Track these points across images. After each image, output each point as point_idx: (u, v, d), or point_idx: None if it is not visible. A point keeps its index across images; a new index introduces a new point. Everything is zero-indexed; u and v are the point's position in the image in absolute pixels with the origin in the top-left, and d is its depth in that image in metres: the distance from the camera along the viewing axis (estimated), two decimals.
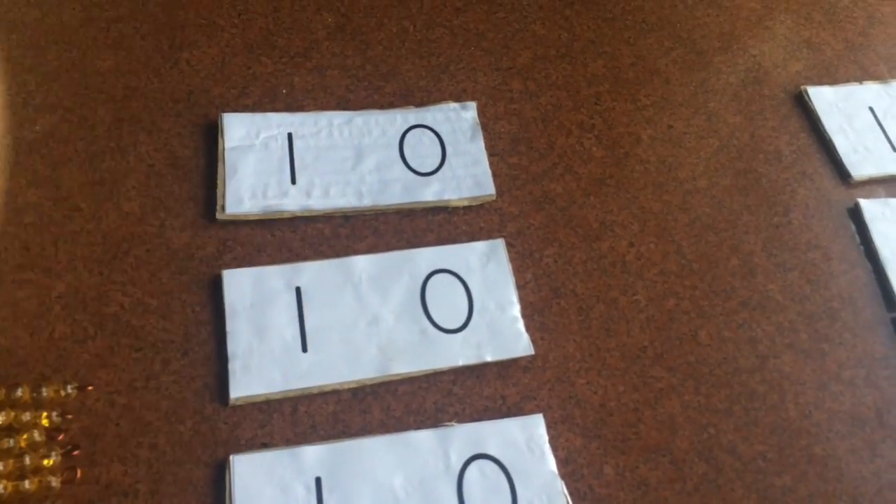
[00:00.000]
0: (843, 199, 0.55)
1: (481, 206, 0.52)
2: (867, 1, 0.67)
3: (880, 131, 0.58)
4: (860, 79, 0.62)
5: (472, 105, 0.55)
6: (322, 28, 0.58)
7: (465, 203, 0.51)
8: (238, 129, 0.51)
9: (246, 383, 0.42)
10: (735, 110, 0.59)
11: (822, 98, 0.59)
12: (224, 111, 0.52)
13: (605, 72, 0.59)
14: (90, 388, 0.42)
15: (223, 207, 0.48)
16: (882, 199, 0.55)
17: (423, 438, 0.42)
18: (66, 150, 0.50)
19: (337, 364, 0.44)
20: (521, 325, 0.47)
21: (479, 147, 0.53)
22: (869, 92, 0.61)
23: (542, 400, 0.45)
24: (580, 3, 0.63)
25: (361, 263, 0.47)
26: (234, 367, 0.43)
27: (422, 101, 0.56)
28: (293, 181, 0.50)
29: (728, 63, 0.61)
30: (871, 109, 0.59)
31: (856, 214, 0.54)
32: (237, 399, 0.42)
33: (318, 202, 0.49)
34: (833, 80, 0.61)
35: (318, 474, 0.41)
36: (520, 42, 0.60)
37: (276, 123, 0.52)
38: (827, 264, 0.52)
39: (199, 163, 0.51)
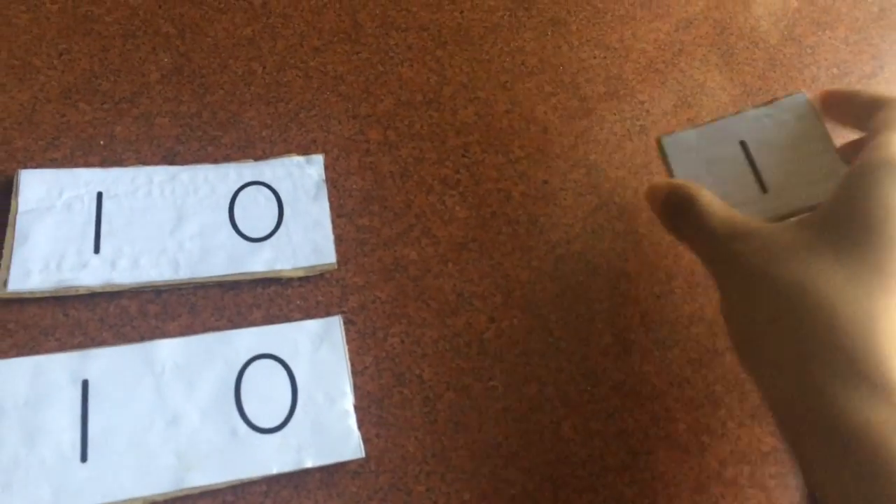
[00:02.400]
0: None
1: (321, 276, 0.45)
2: (768, 42, 0.62)
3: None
4: None
5: (319, 158, 0.49)
6: (156, 70, 0.51)
7: (301, 273, 0.44)
8: (37, 188, 0.44)
9: None
10: (618, 163, 0.53)
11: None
12: (27, 165, 0.45)
13: (477, 120, 0.53)
14: None
15: (5, 283, 0.41)
16: None
17: None
18: None
19: (122, 476, 0.37)
20: (352, 420, 0.40)
21: (322, 207, 0.47)
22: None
23: None
24: (454, 44, 0.57)
25: (167, 349, 0.40)
26: None
27: (263, 154, 0.49)
28: (97, 250, 0.43)
29: (613, 110, 0.56)
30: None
31: None
32: None
33: (125, 275, 0.42)
34: None
35: None
36: (383, 86, 0.54)
37: (84, 181, 0.45)
38: (711, 341, 0.46)
39: None
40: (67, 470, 0.36)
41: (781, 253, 0.34)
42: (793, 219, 0.39)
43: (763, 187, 0.43)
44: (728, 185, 0.43)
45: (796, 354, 0.32)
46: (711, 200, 0.39)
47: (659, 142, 0.46)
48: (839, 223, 0.34)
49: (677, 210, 0.40)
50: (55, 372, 0.39)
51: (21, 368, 0.39)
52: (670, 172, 0.45)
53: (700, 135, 0.46)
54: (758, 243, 0.35)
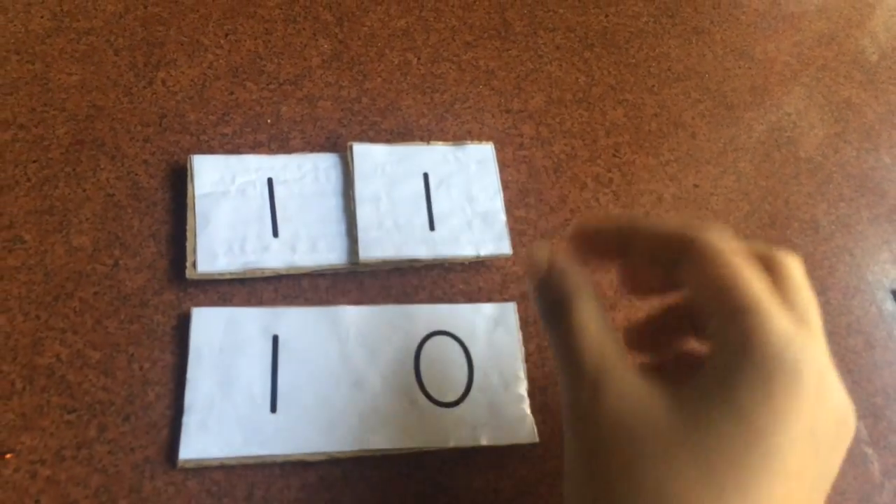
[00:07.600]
0: (885, 279, 0.49)
1: (481, 263, 0.45)
2: None
3: None
4: None
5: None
6: (317, 55, 0.53)
7: (472, 259, 0.45)
8: (211, 172, 0.45)
9: (200, 443, 0.36)
10: (767, 172, 0.53)
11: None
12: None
13: (626, 121, 0.54)
14: (9, 455, 0.35)
15: (194, 265, 0.41)
16: None
17: None
18: (14, 172, 0.44)
19: (308, 430, 0.37)
20: (526, 405, 0.40)
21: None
22: None
23: (540, 498, 0.38)
24: (601, 46, 0.58)
25: (351, 315, 0.41)
26: (189, 421, 0.36)
27: (421, 141, 0.50)
28: (275, 234, 0.43)
29: (759, 120, 0.56)
30: None
31: None
32: (187, 461, 0.35)
33: (305, 258, 0.43)
34: (874, 144, 0.56)
35: None
36: (533, 83, 0.55)
37: (254, 167, 0.46)
38: (870, 353, 0.46)
39: (164, 195, 0.44)
40: (258, 418, 0.37)
41: (648, 442, 0.27)
42: (662, 383, 0.28)
43: (432, 225, 0.45)
44: (401, 214, 0.45)
45: None
46: (591, 315, 0.30)
47: (350, 148, 0.46)
48: (717, 426, 0.26)
49: (550, 308, 0.31)
50: (248, 324, 0.40)
51: (217, 317, 0.40)
52: (351, 182, 0.45)
53: (391, 152, 0.47)
54: (625, 406, 0.28)
